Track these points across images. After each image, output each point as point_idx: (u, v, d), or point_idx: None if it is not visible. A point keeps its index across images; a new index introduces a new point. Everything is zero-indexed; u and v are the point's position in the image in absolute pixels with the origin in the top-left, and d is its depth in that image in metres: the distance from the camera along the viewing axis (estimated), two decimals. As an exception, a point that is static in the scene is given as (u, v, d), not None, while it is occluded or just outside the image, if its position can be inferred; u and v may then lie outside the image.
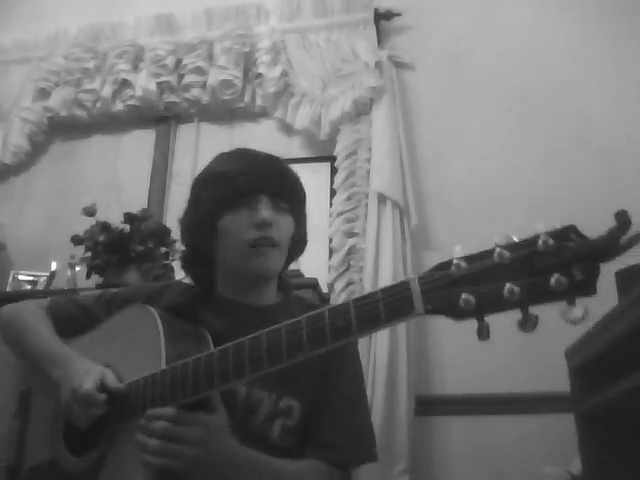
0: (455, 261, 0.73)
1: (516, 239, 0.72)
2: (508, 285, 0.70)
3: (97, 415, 1.00)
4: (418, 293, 0.75)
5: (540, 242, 0.70)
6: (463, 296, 0.72)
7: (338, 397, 1.09)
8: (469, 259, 0.73)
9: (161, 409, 0.93)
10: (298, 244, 1.23)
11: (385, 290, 0.78)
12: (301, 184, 1.24)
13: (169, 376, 0.95)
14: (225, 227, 1.12)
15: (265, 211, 1.11)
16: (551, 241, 0.70)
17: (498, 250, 0.71)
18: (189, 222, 1.20)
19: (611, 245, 0.70)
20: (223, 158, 1.23)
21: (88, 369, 1.04)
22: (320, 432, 1.07)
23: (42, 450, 1.13)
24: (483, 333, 0.75)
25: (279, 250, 1.13)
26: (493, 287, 0.71)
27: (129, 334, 1.10)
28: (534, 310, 0.73)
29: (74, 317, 1.23)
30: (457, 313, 0.74)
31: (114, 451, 1.01)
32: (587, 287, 0.68)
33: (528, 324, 0.73)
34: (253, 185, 1.12)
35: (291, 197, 1.18)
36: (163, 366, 0.98)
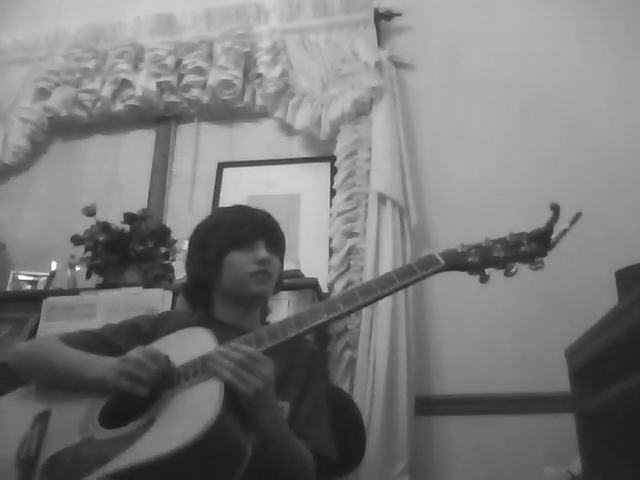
0: (457, 246, 1.25)
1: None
2: (496, 247, 1.22)
3: (161, 373, 1.13)
4: (439, 257, 1.23)
5: (507, 237, 1.24)
6: (470, 257, 1.22)
7: (309, 404, 1.33)
8: (467, 245, 1.25)
9: (243, 344, 1.15)
10: (280, 282, 1.52)
11: (416, 261, 1.24)
12: (284, 236, 1.55)
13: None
14: (231, 262, 1.42)
15: (263, 251, 1.43)
16: (513, 235, 1.24)
17: (484, 240, 1.24)
18: (197, 259, 1.48)
19: (549, 229, 1.20)
20: (227, 210, 1.57)
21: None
22: (298, 427, 1.27)
23: (67, 439, 1.11)
24: (484, 279, 1.22)
25: (272, 281, 1.46)
26: (487, 251, 1.22)
27: (179, 342, 1.27)
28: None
29: (89, 343, 1.35)
30: (466, 266, 1.22)
31: (167, 411, 1.07)
32: (541, 249, 1.20)
33: (510, 272, 1.20)
34: (255, 232, 1.45)
35: (280, 244, 1.51)
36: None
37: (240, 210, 1.54)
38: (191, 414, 1.03)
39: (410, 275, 1.20)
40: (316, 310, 1.20)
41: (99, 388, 1.18)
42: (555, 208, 1.18)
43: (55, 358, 1.29)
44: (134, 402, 1.11)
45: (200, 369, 1.12)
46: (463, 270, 1.22)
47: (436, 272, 1.21)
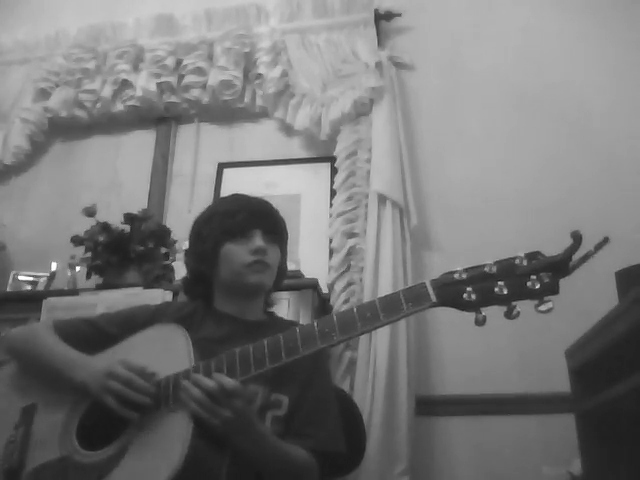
0: (457, 269, 1.04)
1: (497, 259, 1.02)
2: (498, 284, 0.99)
3: (147, 392, 1.12)
4: (432, 289, 1.04)
5: (517, 260, 1.01)
6: (466, 292, 1.01)
7: (312, 399, 1.29)
8: (467, 269, 1.04)
9: (219, 375, 1.09)
10: (282, 270, 1.47)
11: (405, 289, 1.07)
12: (285, 223, 1.49)
13: (201, 369, 1.12)
14: (226, 253, 1.38)
15: (259, 240, 1.37)
16: (525, 258, 1.00)
17: (488, 264, 1.02)
18: (195, 252, 1.45)
19: (566, 258, 0.98)
20: (222, 201, 1.55)
21: (112, 363, 1.17)
22: (299, 424, 1.25)
23: (48, 452, 1.16)
24: (480, 321, 1.01)
25: (270, 271, 1.40)
26: (488, 286, 1.00)
27: (154, 348, 1.24)
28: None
29: (83, 331, 1.36)
30: (462, 305, 1.02)
31: (138, 439, 1.10)
32: (552, 287, 0.97)
33: (512, 314, 1.00)
34: (250, 221, 1.39)
35: (278, 232, 1.45)
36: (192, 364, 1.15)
37: (234, 199, 1.49)
38: (161, 453, 1.06)
39: (396, 312, 1.05)
40: (312, 337, 1.09)
41: (80, 392, 1.19)
42: (577, 237, 0.97)
43: (42, 350, 1.29)
44: (111, 412, 1.14)
45: (172, 396, 1.12)
46: (456, 308, 1.04)
47: (424, 309, 1.05)
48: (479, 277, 1.02)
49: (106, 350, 1.28)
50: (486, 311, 1.00)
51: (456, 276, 1.03)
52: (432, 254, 2.39)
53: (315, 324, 1.10)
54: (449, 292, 1.03)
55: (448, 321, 2.25)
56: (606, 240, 0.96)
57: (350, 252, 2.33)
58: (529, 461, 2.02)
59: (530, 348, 2.14)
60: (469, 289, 1.01)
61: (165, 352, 1.21)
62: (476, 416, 2.16)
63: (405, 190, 2.37)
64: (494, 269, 1.01)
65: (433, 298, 1.03)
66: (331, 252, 2.38)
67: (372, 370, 2.09)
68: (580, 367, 1.59)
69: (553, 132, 2.48)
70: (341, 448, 1.27)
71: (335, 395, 1.38)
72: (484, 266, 1.02)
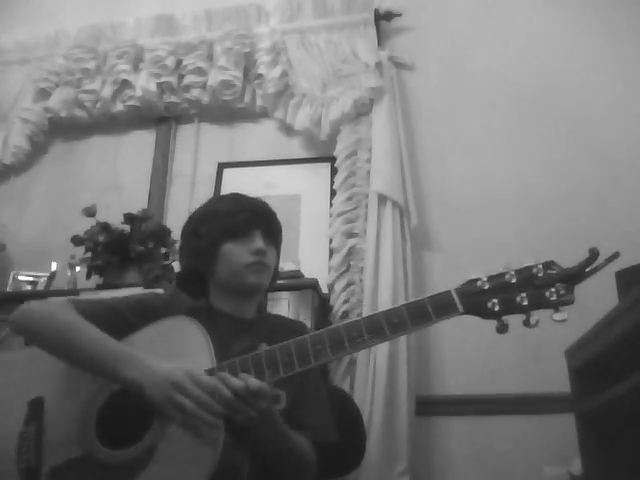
0: (479, 278, 1.08)
1: (517, 267, 1.07)
2: (520, 295, 1.05)
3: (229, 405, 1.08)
4: (458, 298, 1.08)
5: (534, 269, 1.05)
6: (490, 302, 1.05)
7: (306, 394, 1.33)
8: (489, 278, 1.07)
9: (245, 375, 1.08)
10: (277, 273, 1.50)
11: (431, 298, 1.11)
12: (281, 224, 1.49)
13: (227, 369, 1.11)
14: (226, 252, 1.37)
15: (260, 241, 1.38)
16: (542, 268, 1.05)
17: (508, 273, 1.06)
18: (190, 248, 1.43)
19: (581, 271, 1.04)
20: (222, 199, 1.51)
21: (175, 367, 1.11)
22: (296, 417, 1.27)
23: (68, 449, 1.12)
24: (502, 329, 1.06)
25: (269, 272, 1.41)
26: (509, 296, 1.05)
27: (172, 342, 1.22)
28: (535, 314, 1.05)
29: (104, 316, 1.27)
30: (486, 314, 1.06)
31: (167, 440, 1.07)
32: (568, 298, 1.04)
33: (530, 323, 1.05)
34: (251, 222, 1.39)
35: (276, 234, 1.46)
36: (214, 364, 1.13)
37: (235, 199, 1.47)
38: (192, 456, 1.05)
39: (425, 320, 1.12)
40: (340, 341, 1.09)
41: (128, 389, 1.12)
42: (594, 254, 1.03)
43: (77, 335, 1.18)
44: (131, 405, 1.11)
45: None
46: (479, 316, 1.07)
47: (451, 317, 1.10)
48: (502, 287, 1.06)
49: (124, 339, 1.21)
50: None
51: (479, 284, 1.07)
52: (432, 254, 2.39)
53: (342, 327, 1.10)
54: (474, 302, 1.07)
55: (448, 321, 2.25)
56: (616, 255, 1.02)
57: (350, 252, 2.33)
58: (529, 461, 2.02)
59: (530, 348, 2.14)
60: (494, 300, 1.05)
61: (184, 347, 1.19)
62: (476, 416, 2.16)
63: (405, 190, 2.37)
64: (514, 279, 1.05)
65: (460, 308, 1.07)
66: (331, 252, 2.38)
67: (372, 370, 2.09)
68: (580, 367, 1.59)
69: (553, 132, 2.48)
70: (334, 436, 1.31)
71: (327, 393, 1.42)
72: (504, 275, 1.06)
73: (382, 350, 2.09)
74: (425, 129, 2.60)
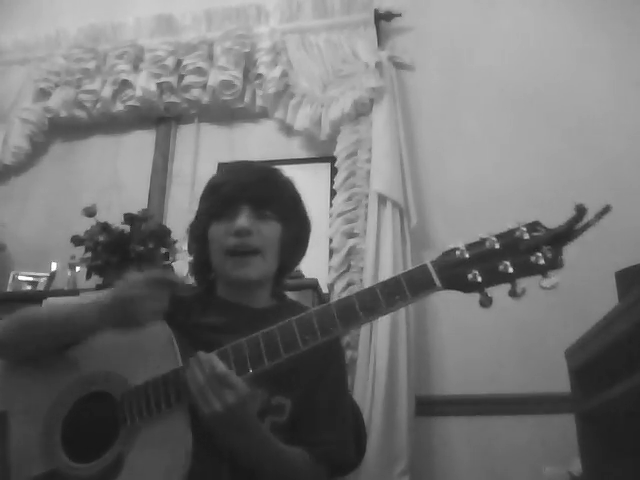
0: (457, 247, 0.95)
1: (497, 232, 0.95)
2: (503, 262, 0.92)
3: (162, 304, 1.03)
4: (435, 273, 0.95)
5: (518, 232, 0.94)
6: (471, 273, 0.92)
7: (322, 400, 1.15)
8: (468, 246, 0.95)
9: (216, 358, 0.96)
10: (291, 247, 1.24)
11: (405, 274, 0.97)
12: (292, 189, 1.25)
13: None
14: (211, 236, 1.18)
15: (243, 219, 1.14)
16: (525, 232, 0.94)
17: (489, 239, 0.94)
18: (190, 232, 1.27)
19: (569, 230, 0.92)
20: (220, 170, 1.34)
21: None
22: (305, 431, 1.12)
23: (34, 466, 1.07)
24: (486, 303, 0.92)
25: (262, 257, 1.17)
26: (492, 265, 0.92)
27: (138, 340, 1.10)
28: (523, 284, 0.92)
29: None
30: (467, 287, 0.93)
31: (135, 450, 1.00)
32: (556, 262, 0.91)
33: (517, 292, 0.91)
34: (234, 195, 1.16)
35: (276, 203, 1.20)
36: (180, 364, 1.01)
37: (230, 169, 1.29)
38: (163, 467, 0.97)
39: (401, 299, 0.96)
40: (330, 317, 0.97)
41: (116, 307, 1.03)
42: (580, 210, 0.92)
43: (45, 316, 1.14)
44: (96, 414, 1.05)
45: (163, 397, 0.99)
46: (460, 291, 0.94)
47: (430, 293, 0.96)
48: (483, 255, 0.93)
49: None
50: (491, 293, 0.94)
51: (458, 254, 0.94)
52: (432, 254, 2.35)
53: (314, 314, 0.99)
54: (453, 274, 0.94)
55: (448, 321, 2.26)
56: (607, 208, 0.90)
57: (350, 252, 2.34)
58: (529, 461, 2.02)
59: (530, 348, 2.14)
60: (475, 271, 0.92)
61: (147, 341, 1.08)
62: (476, 416, 2.16)
63: (405, 190, 2.37)
64: (496, 246, 0.93)
65: (438, 283, 0.94)
66: (331, 252, 2.38)
67: (372, 370, 2.09)
68: (580, 367, 1.59)
69: (553, 132, 2.48)
70: (349, 457, 1.16)
71: (350, 397, 1.25)
72: (485, 241, 0.94)
73: (382, 350, 2.10)
74: (425, 129, 2.60)
